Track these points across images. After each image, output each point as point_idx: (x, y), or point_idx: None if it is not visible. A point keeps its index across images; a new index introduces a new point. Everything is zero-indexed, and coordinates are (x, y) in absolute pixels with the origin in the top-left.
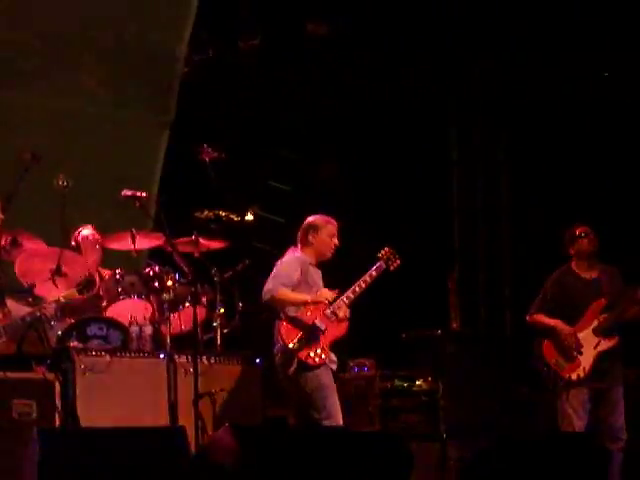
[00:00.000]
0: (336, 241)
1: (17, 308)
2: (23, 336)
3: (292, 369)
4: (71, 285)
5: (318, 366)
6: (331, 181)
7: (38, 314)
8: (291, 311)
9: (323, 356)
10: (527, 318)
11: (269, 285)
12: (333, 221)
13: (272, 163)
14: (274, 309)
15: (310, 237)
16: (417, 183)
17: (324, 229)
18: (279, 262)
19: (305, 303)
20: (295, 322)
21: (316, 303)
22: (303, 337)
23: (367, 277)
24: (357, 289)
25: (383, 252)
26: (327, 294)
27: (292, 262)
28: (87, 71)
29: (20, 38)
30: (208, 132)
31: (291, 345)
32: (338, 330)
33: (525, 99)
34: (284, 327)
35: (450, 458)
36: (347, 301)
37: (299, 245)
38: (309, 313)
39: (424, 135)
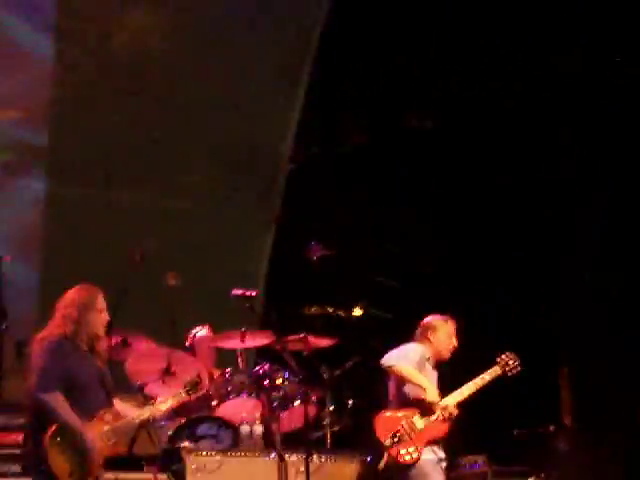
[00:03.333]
0: (454, 342)
1: (125, 409)
2: (134, 437)
3: (381, 465)
4: (181, 385)
5: (409, 465)
6: (436, 276)
7: (146, 417)
8: (411, 392)
9: (415, 455)
10: None
11: (393, 354)
12: (451, 321)
13: (379, 258)
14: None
15: (429, 336)
16: (524, 277)
17: (443, 329)
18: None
19: (421, 387)
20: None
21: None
22: (398, 433)
23: (479, 380)
24: (466, 392)
25: (503, 357)
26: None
27: (416, 347)
28: (193, 170)
29: (128, 139)
30: (314, 228)
31: (387, 442)
32: (438, 430)
33: None
34: (380, 421)
35: None
36: (454, 402)
37: (417, 343)
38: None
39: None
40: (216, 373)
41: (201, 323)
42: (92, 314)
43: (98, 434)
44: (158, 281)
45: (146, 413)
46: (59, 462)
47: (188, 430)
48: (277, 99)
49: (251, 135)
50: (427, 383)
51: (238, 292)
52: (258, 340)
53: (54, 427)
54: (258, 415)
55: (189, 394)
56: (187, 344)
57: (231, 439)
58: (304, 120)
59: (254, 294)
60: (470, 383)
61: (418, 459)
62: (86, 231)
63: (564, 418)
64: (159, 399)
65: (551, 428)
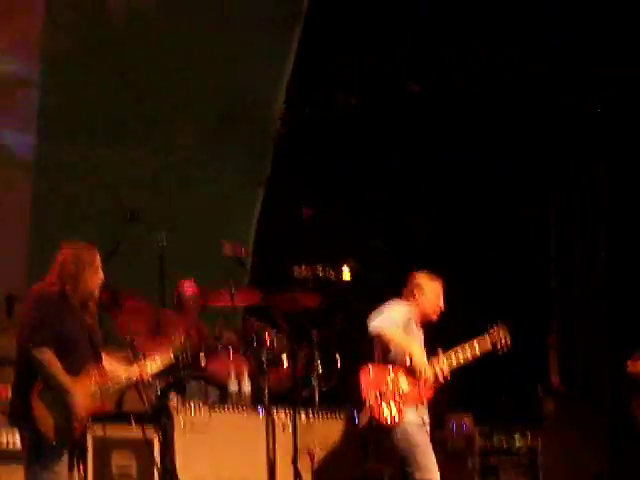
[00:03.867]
0: (441, 302)
1: (113, 367)
2: (122, 394)
3: (362, 423)
4: (169, 343)
5: (392, 425)
6: (426, 239)
7: (134, 379)
8: (398, 355)
9: (397, 417)
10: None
11: (379, 318)
12: (439, 281)
13: (369, 220)
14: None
15: (416, 295)
16: (515, 241)
17: (430, 288)
18: (385, 305)
19: (408, 353)
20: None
21: (414, 366)
22: (381, 392)
23: (469, 355)
24: (454, 363)
25: (494, 330)
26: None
27: (401, 306)
28: (184, 129)
29: (119, 96)
30: (304, 189)
31: (370, 400)
32: (423, 394)
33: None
34: (366, 376)
35: None
36: (441, 369)
37: (404, 301)
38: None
39: (521, 198)
40: (204, 330)
41: (192, 279)
42: (91, 273)
43: (85, 391)
44: (147, 239)
45: (133, 375)
46: (45, 417)
47: (177, 386)
48: (269, 60)
49: (242, 95)
50: (415, 348)
51: (229, 249)
52: (247, 298)
53: (43, 383)
54: (246, 372)
55: (178, 359)
56: (175, 296)
57: (219, 396)
58: (295, 81)
59: (245, 252)
60: (459, 354)
61: (399, 420)
62: (76, 188)
63: (552, 380)
64: (147, 360)
65: (539, 389)
